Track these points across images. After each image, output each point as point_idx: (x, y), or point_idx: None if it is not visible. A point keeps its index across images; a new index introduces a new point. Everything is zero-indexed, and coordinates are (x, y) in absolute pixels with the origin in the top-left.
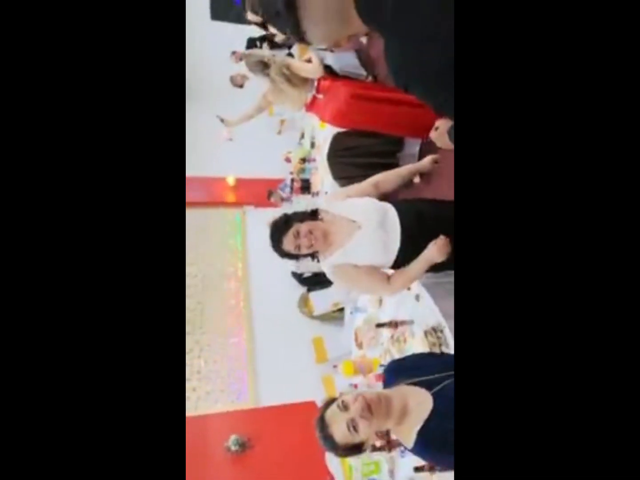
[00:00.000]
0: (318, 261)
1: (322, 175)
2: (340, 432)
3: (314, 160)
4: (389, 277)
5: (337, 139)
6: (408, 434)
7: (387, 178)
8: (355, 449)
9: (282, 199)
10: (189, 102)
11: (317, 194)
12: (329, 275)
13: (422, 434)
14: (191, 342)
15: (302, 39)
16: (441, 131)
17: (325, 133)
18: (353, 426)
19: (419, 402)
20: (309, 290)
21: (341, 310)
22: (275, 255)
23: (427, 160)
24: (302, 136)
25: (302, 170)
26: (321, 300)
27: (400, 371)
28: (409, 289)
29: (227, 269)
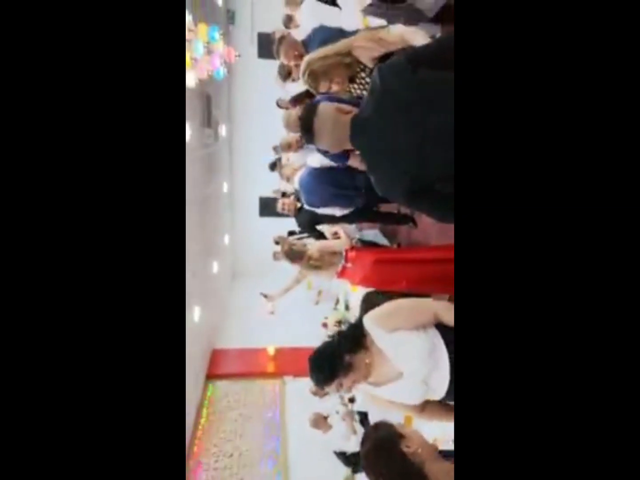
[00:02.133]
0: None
1: None
2: None
3: (349, 322)
4: (424, 407)
5: (367, 299)
6: None
7: (451, 309)
8: None
9: None
10: (236, 280)
11: None
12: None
13: None
14: None
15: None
16: None
17: (357, 294)
18: None
19: None
20: (354, 471)
21: None
22: (316, 431)
23: None
24: (337, 302)
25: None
26: None
27: None
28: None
29: (265, 447)
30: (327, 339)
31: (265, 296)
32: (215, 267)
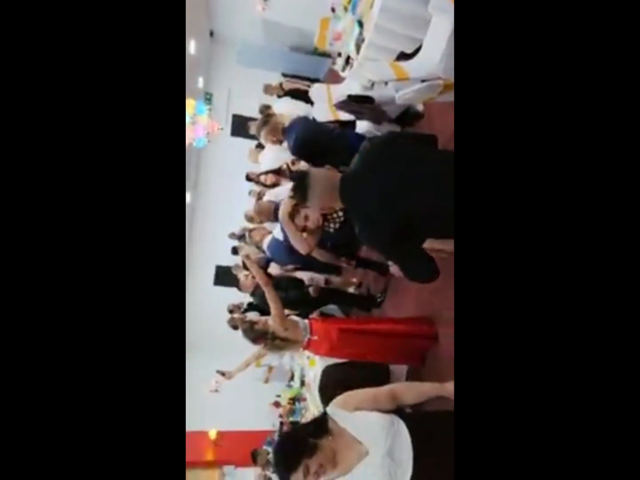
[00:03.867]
0: None
1: (313, 412)
2: None
3: (305, 400)
4: None
5: (326, 373)
6: None
7: (409, 390)
8: None
9: (269, 460)
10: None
11: None
12: None
13: None
14: None
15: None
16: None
17: (315, 369)
18: None
19: None
20: None
21: None
22: None
23: (450, 388)
24: (292, 378)
25: (292, 412)
26: None
27: None
28: None
29: None
30: (279, 420)
31: (223, 374)
32: None
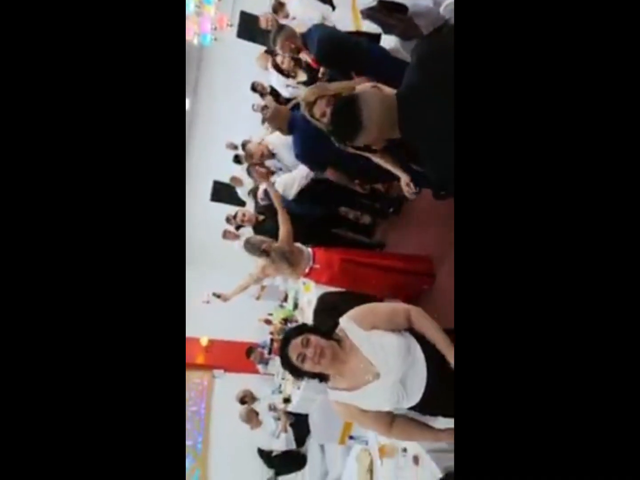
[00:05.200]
0: (326, 381)
1: None
2: None
3: (296, 321)
4: (392, 422)
5: (322, 299)
6: None
7: (424, 318)
8: None
9: (262, 358)
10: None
11: None
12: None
13: None
14: None
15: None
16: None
17: (309, 295)
18: None
19: None
20: (277, 473)
21: None
22: (242, 432)
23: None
24: (285, 298)
25: (283, 331)
26: None
27: None
28: (405, 450)
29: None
30: (270, 337)
31: (218, 296)
32: None
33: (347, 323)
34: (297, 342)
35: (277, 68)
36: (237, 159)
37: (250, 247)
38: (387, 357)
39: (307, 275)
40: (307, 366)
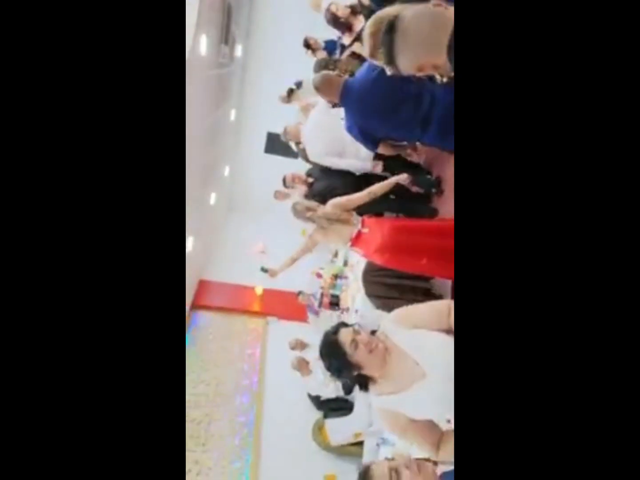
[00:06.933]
0: (366, 389)
1: (353, 293)
2: None
3: (346, 277)
4: (440, 440)
5: (366, 275)
6: None
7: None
8: None
9: (311, 302)
10: (233, 213)
11: (347, 310)
12: (375, 412)
13: None
14: (190, 462)
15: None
16: None
17: (358, 256)
18: None
19: None
20: (325, 416)
21: (361, 443)
22: (294, 374)
23: None
24: (336, 254)
25: (333, 286)
26: (339, 429)
27: None
28: (448, 421)
29: (242, 382)
30: (320, 290)
31: (266, 271)
32: (213, 198)
33: (389, 326)
34: (348, 330)
35: (333, 17)
36: (290, 93)
37: (296, 212)
38: (432, 355)
39: (354, 242)
40: (360, 353)
